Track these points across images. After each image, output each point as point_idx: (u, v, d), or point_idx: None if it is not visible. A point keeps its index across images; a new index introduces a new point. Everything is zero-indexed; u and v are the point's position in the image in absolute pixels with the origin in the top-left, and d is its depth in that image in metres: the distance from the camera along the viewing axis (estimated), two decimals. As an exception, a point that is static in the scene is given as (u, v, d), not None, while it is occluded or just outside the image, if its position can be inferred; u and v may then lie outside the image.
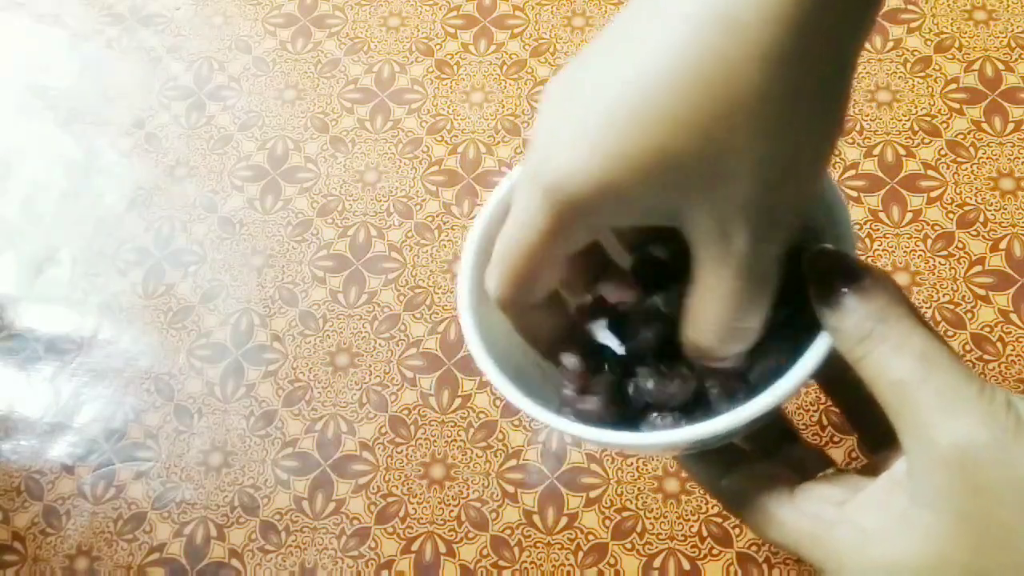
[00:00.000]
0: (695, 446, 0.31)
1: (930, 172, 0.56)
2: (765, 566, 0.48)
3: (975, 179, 0.56)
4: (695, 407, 0.33)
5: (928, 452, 0.24)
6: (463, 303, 0.32)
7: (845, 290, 0.26)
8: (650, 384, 0.32)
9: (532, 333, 0.31)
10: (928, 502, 0.24)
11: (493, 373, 0.31)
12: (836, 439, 0.50)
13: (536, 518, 0.50)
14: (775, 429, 0.34)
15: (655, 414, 0.33)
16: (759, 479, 0.30)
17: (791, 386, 0.28)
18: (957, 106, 0.58)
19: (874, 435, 0.26)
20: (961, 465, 0.23)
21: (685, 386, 0.32)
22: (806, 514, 0.28)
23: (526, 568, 0.49)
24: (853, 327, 0.26)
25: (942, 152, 0.57)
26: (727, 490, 0.31)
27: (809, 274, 0.27)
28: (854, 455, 0.50)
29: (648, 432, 0.31)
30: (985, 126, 0.57)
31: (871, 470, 0.28)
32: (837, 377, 0.27)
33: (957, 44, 0.60)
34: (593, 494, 0.50)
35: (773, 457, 0.33)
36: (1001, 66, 0.59)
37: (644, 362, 0.33)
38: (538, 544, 0.49)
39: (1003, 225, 0.54)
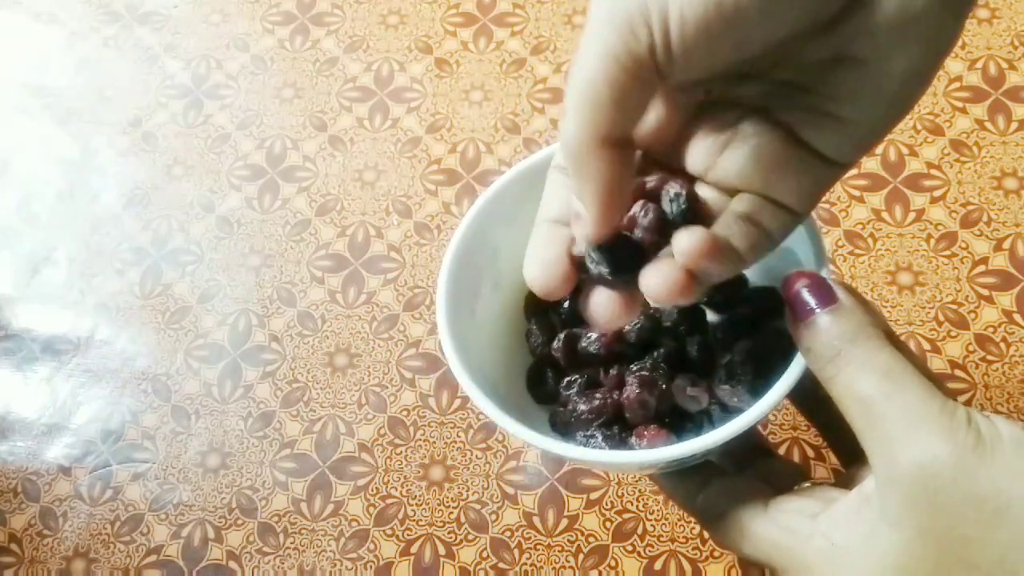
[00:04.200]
0: (673, 464, 0.31)
1: (933, 171, 0.56)
2: (767, 569, 0.47)
3: (978, 178, 0.55)
4: (678, 425, 0.34)
5: (892, 470, 0.25)
6: (443, 321, 0.33)
7: (818, 310, 0.27)
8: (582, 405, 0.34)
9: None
10: (893, 519, 0.25)
11: (476, 393, 0.31)
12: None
13: (536, 520, 0.49)
14: (749, 446, 0.35)
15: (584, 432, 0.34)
16: (734, 493, 0.30)
17: (768, 405, 0.29)
18: (960, 105, 0.58)
19: (848, 451, 0.27)
20: (922, 483, 0.24)
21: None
22: (780, 526, 0.28)
23: (526, 570, 0.48)
24: (824, 346, 0.26)
25: (945, 151, 0.56)
26: (702, 505, 0.31)
27: (785, 295, 0.28)
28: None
29: (633, 451, 0.31)
30: (988, 125, 0.57)
31: (845, 482, 0.29)
32: (811, 396, 0.29)
33: (960, 42, 0.60)
34: (594, 496, 0.49)
35: (747, 472, 0.33)
36: (1004, 65, 0.59)
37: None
38: (538, 546, 0.49)
39: (1007, 225, 0.54)
